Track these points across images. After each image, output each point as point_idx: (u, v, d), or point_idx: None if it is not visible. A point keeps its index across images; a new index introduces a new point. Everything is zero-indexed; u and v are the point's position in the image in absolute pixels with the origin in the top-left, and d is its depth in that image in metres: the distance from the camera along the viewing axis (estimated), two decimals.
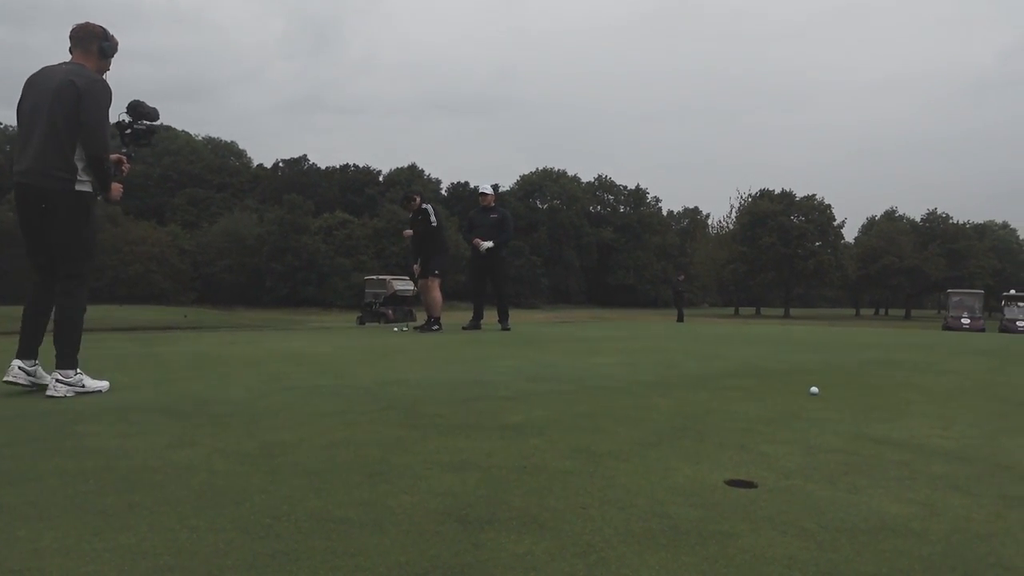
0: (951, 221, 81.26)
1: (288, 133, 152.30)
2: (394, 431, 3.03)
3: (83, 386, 3.91)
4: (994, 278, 77.36)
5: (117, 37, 4.12)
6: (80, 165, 3.87)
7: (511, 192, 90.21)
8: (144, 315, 33.80)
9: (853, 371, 5.71)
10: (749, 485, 2.37)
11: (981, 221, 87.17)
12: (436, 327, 9.57)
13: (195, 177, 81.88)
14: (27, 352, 3.98)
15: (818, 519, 2.05)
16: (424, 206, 9.60)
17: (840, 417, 3.60)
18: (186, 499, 2.08)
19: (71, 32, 4.01)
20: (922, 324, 47.58)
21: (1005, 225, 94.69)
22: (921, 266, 73.01)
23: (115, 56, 4.11)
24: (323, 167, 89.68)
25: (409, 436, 2.94)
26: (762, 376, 5.27)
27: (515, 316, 11.51)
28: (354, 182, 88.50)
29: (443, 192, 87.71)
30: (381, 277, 39.74)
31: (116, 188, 4.10)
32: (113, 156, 4.12)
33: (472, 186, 77.31)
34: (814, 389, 4.32)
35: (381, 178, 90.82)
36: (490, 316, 10.31)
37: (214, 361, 5.72)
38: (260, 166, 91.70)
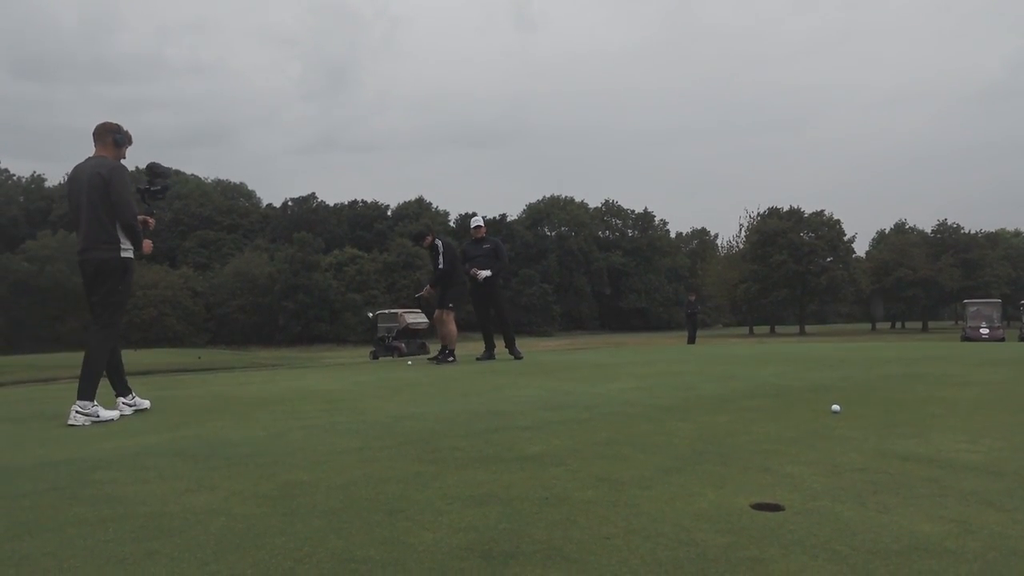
0: (962, 231, 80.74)
1: (296, 172, 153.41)
2: (412, 466, 3.00)
3: (98, 416, 4.52)
4: (1010, 287, 76.62)
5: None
6: (120, 235, 4.74)
7: (518, 221, 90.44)
8: (159, 358, 33.95)
9: (874, 387, 5.64)
10: (776, 508, 2.32)
11: (993, 230, 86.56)
12: (451, 359, 9.64)
13: (206, 219, 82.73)
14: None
15: (849, 541, 2.00)
16: (436, 241, 9.72)
17: (864, 435, 3.55)
18: (205, 544, 2.06)
19: (93, 131, 4.88)
20: (940, 336, 47.08)
21: (1017, 232, 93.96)
22: (935, 277, 72.43)
23: (129, 145, 4.99)
24: (331, 204, 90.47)
25: (428, 471, 2.91)
26: (781, 395, 5.20)
27: (528, 344, 11.49)
28: (363, 218, 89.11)
29: (451, 223, 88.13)
30: (393, 311, 39.81)
31: (147, 244, 5.01)
32: (140, 218, 4.94)
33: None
34: (836, 407, 4.26)
35: (389, 212, 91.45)
36: (499, 345, 10.30)
37: (230, 402, 5.71)
38: (269, 206, 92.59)
